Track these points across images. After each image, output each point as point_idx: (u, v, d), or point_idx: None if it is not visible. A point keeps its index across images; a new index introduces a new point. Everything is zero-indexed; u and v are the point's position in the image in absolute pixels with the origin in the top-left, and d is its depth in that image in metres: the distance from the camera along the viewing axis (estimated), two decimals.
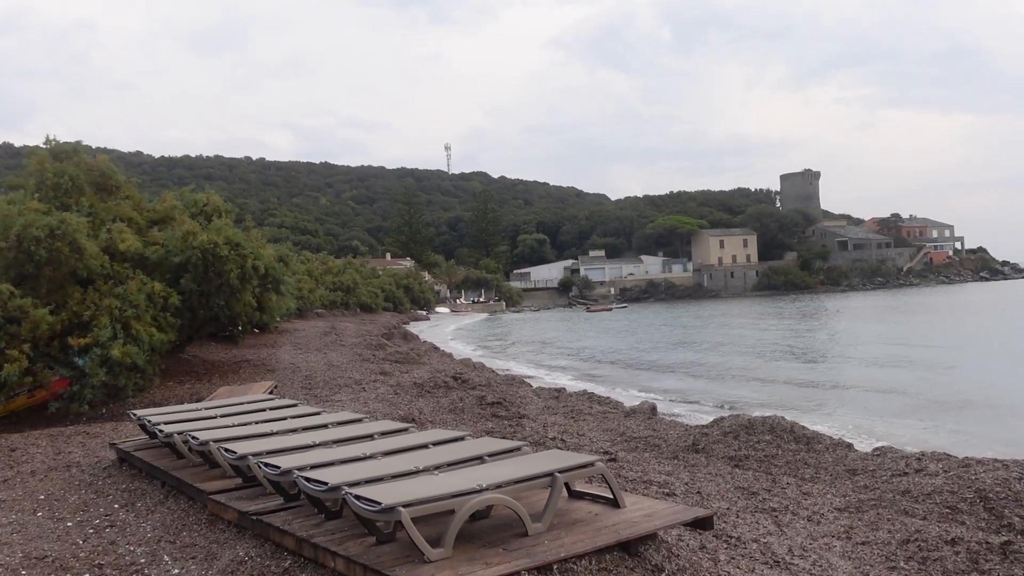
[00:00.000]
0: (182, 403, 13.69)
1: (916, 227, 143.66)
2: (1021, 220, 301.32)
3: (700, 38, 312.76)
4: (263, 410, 9.18)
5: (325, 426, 7.78)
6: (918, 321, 52.77)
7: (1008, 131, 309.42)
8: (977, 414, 17.97)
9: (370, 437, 7.05)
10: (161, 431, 8.08)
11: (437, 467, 5.53)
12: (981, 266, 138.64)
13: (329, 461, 5.92)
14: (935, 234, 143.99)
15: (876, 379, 25.08)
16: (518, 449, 6.06)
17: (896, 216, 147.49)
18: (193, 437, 7.41)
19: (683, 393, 21.87)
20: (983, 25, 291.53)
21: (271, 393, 14.74)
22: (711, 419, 11.97)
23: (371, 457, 6.03)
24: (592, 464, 5.41)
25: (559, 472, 5.15)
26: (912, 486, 7.51)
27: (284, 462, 5.94)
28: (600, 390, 20.29)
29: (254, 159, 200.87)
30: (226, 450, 6.84)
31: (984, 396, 21.01)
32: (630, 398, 18.88)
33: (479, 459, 5.80)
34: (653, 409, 14.22)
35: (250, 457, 6.40)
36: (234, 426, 8.06)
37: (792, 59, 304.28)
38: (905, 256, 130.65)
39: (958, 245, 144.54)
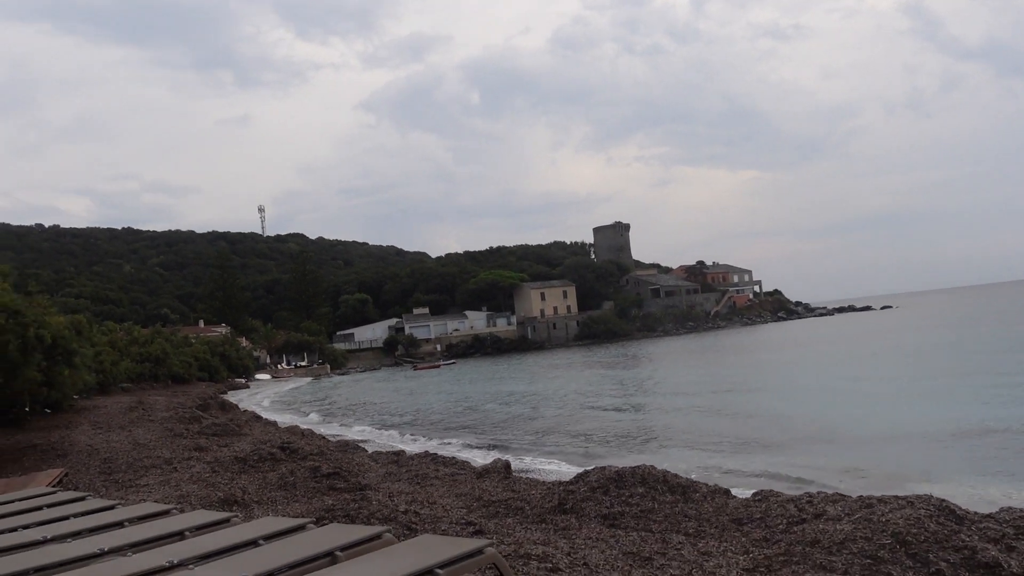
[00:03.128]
0: None
1: (719, 273, 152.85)
2: (805, 264, 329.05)
3: (507, 102, 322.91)
4: (39, 508, 7.25)
5: (120, 524, 6.07)
6: (732, 361, 55.12)
7: (786, 185, 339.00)
8: (815, 447, 18.18)
9: (180, 536, 5.46)
10: None
11: (271, 575, 4.13)
12: (778, 307, 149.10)
13: None
14: (736, 279, 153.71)
15: (708, 419, 25.32)
16: (378, 537, 4.73)
17: (701, 263, 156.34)
18: None
19: (530, 446, 20.94)
20: (758, 90, 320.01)
21: (59, 484, 12.44)
22: (573, 473, 11.01)
23: (180, 566, 4.51)
24: (481, 551, 4.20)
25: (440, 568, 3.91)
26: (819, 535, 6.80)
27: None
28: (441, 450, 18.99)
29: (46, 226, 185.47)
30: None
31: (811, 429, 21.53)
32: (476, 456, 17.71)
33: (328, 556, 4.43)
34: (507, 467, 13.09)
35: None
36: None
37: (593, 121, 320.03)
38: (711, 301, 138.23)
39: (757, 288, 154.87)
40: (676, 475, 9.58)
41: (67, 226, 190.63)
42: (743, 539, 7.28)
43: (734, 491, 9.56)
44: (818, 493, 8.41)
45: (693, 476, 11.52)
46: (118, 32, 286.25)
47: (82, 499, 7.65)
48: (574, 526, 8.39)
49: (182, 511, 6.95)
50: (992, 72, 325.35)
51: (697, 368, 50.62)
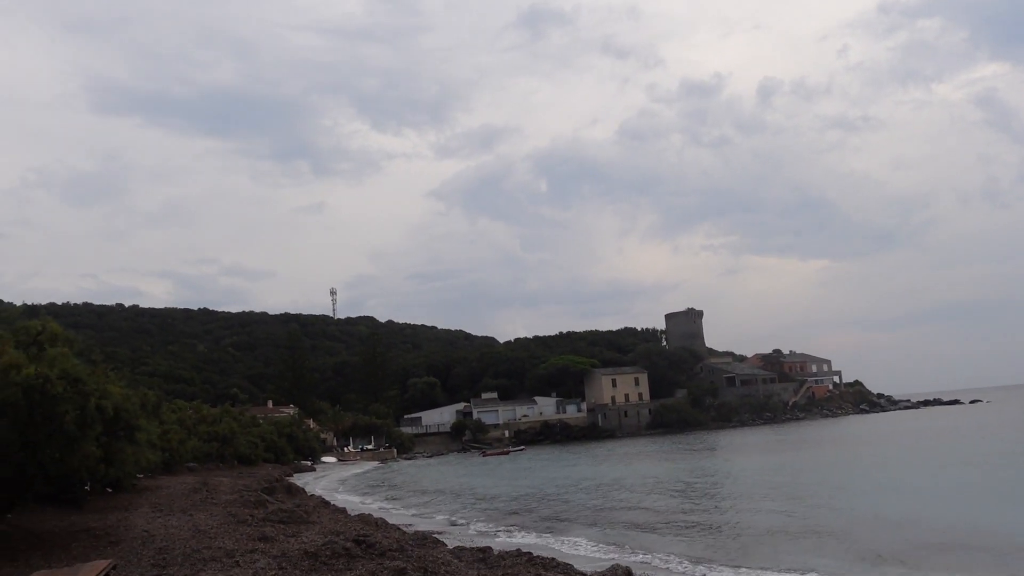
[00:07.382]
0: None
1: (797, 362, 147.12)
2: (883, 354, 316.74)
3: (575, 190, 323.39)
4: None
5: None
6: (826, 457, 51.25)
7: (860, 275, 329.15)
8: (965, 558, 15.46)
9: None
10: None
11: None
12: (859, 399, 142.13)
13: None
14: (815, 368, 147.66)
15: (830, 522, 22.59)
16: None
17: (778, 352, 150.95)
18: None
19: (633, 543, 18.49)
20: (827, 180, 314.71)
21: None
22: None
23: None
24: None
25: None
26: None
27: None
28: (536, 547, 16.74)
29: (127, 306, 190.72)
30: None
31: (948, 535, 18.79)
32: (580, 557, 15.43)
33: None
34: (628, 574, 10.89)
35: None
36: None
37: (660, 209, 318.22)
38: (789, 391, 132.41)
39: (836, 379, 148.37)
40: None
41: (146, 306, 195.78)
42: None
43: None
44: None
45: None
46: (205, 124, 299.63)
47: None
48: None
49: None
50: None
51: (789, 463, 47.08)
